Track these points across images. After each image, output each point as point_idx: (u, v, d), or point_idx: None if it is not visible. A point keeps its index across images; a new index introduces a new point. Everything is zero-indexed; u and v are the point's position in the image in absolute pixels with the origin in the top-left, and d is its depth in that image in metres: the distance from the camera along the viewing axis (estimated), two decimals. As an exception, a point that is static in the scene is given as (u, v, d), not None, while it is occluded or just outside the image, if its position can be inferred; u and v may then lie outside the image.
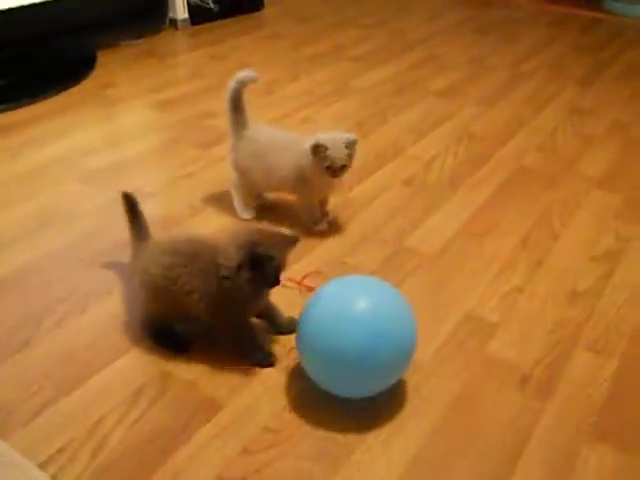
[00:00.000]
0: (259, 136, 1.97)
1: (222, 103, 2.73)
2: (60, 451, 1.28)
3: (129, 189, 2.11)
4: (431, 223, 2.04)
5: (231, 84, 1.97)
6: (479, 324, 1.66)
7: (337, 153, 1.81)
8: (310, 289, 1.70)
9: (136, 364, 1.48)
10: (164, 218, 1.99)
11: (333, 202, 2.09)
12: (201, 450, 1.30)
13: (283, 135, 1.99)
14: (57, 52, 3.03)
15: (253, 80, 1.99)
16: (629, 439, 1.38)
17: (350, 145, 1.84)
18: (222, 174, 2.24)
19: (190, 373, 1.47)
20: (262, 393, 1.43)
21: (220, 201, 2.09)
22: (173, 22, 3.66)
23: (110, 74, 3.00)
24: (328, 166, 1.81)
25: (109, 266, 1.79)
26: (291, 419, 1.37)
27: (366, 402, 1.41)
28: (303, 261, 1.83)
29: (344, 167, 1.84)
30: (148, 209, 2.02)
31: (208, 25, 3.73)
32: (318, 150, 1.80)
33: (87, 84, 2.89)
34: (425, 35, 3.82)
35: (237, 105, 1.99)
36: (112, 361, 1.49)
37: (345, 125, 2.64)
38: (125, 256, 1.81)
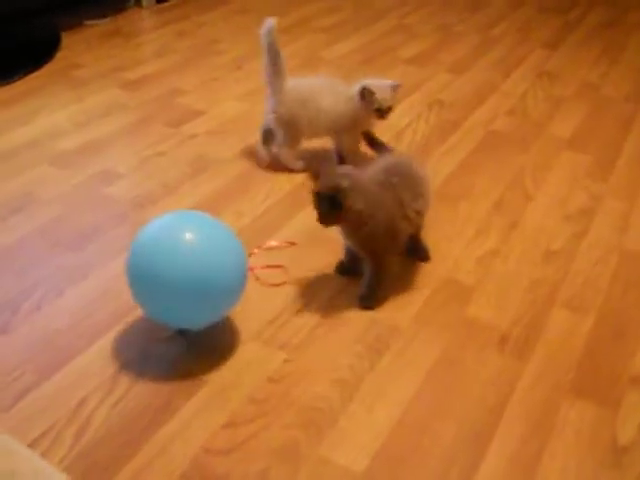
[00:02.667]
0: (301, 85, 2.08)
1: (192, 79, 2.75)
2: (44, 434, 1.27)
3: (100, 170, 2.11)
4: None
5: (265, 37, 2.01)
6: (456, 287, 1.67)
7: (384, 96, 1.99)
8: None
9: (116, 345, 1.48)
10: (137, 198, 1.98)
11: (303, 175, 2.09)
12: (185, 425, 1.30)
13: (323, 82, 2.10)
14: (20, 35, 2.98)
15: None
16: (607, 393, 1.41)
17: (395, 88, 2.03)
18: (194, 151, 2.23)
19: (170, 351, 1.47)
20: (244, 366, 1.43)
21: (194, 178, 2.08)
22: (137, 0, 3.61)
23: (76, 55, 2.95)
24: (377, 108, 2.00)
25: (83, 249, 1.77)
26: (275, 390, 1.38)
27: (348, 368, 1.43)
28: (284, 229, 1.84)
29: (390, 108, 2.02)
30: (121, 189, 2.02)
31: (173, 2, 3.68)
32: (366, 94, 1.98)
33: (53, 66, 2.84)
34: (393, 4, 3.80)
35: (275, 57, 2.04)
36: (92, 343, 1.48)
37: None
38: (97, 238, 1.80)
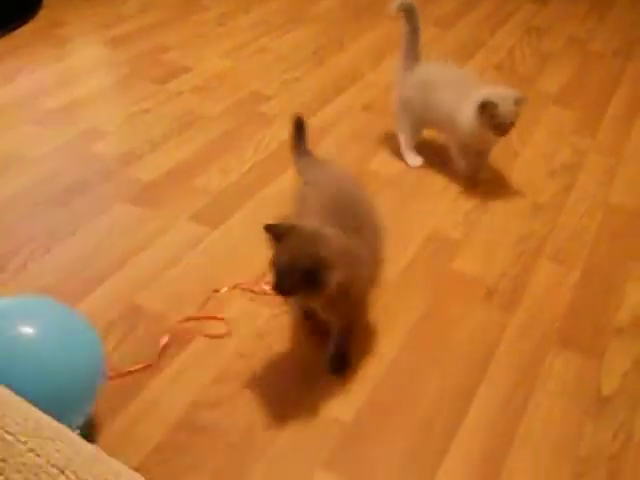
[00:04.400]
0: (429, 71, 1.94)
1: (177, 36, 2.71)
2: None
3: (86, 128, 2.09)
4: (392, 147, 2.04)
5: (400, 9, 1.92)
6: (443, 242, 1.68)
7: (506, 110, 1.73)
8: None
9: (104, 301, 1.48)
10: (124, 155, 1.97)
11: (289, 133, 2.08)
12: (175, 380, 1.31)
13: (455, 74, 1.93)
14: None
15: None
16: (592, 344, 1.43)
17: (519, 102, 1.76)
18: (180, 108, 2.21)
19: (159, 305, 1.47)
20: (233, 320, 1.44)
21: (180, 135, 2.07)
22: (120, -44, 3.54)
23: (58, 13, 2.91)
24: (497, 123, 1.73)
25: (70, 207, 1.76)
26: (262, 345, 1.39)
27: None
28: (270, 187, 1.84)
29: (512, 124, 1.75)
30: (107, 147, 2.01)
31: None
32: (487, 108, 1.72)
33: (35, 24, 2.80)
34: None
35: (413, 36, 1.94)
36: (80, 300, 1.48)
37: (302, 53, 2.61)
38: (84, 196, 1.79)
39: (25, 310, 1.12)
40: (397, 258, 1.62)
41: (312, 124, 2.13)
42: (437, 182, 1.89)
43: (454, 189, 1.86)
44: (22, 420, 0.44)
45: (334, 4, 3.11)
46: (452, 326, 1.46)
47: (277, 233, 1.18)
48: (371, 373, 1.34)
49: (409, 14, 1.91)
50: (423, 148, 2.00)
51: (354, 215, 1.31)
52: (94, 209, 1.75)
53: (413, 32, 1.92)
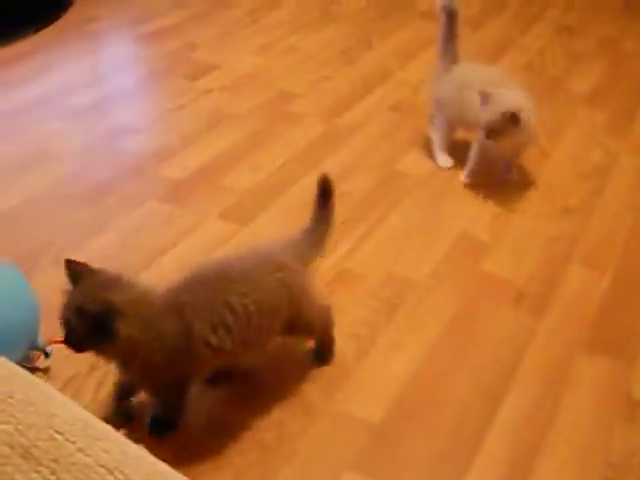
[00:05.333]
0: (465, 71, 1.93)
1: (208, 33, 2.72)
2: (68, 382, 1.30)
3: (117, 124, 2.11)
4: (420, 147, 2.04)
5: (442, 10, 1.91)
6: (472, 243, 1.68)
7: (487, 117, 1.71)
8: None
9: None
10: (154, 152, 1.98)
11: (320, 130, 2.09)
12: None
13: (489, 75, 1.92)
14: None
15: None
16: (622, 348, 1.42)
17: (507, 115, 1.69)
18: (212, 105, 2.22)
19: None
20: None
21: (210, 132, 2.08)
22: (150, -47, 3.56)
23: (90, 8, 2.93)
24: (482, 127, 1.73)
25: (101, 203, 1.78)
26: (290, 344, 1.39)
27: (363, 323, 1.44)
28: (297, 186, 1.84)
29: (493, 133, 1.72)
30: (137, 143, 2.02)
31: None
32: (514, 120, 1.69)
33: (67, 19, 2.82)
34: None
35: (452, 37, 1.93)
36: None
37: (331, 52, 2.61)
38: (114, 192, 1.80)
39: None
40: (425, 259, 1.62)
41: (341, 123, 2.14)
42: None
43: (483, 190, 1.85)
44: (71, 420, 0.45)
45: (363, 3, 3.10)
46: (481, 328, 1.45)
47: (74, 273, 1.10)
48: (399, 374, 1.34)
49: (450, 15, 1.91)
50: (451, 149, 1.99)
51: (191, 294, 1.14)
52: (124, 206, 1.77)
53: (452, 33, 1.92)
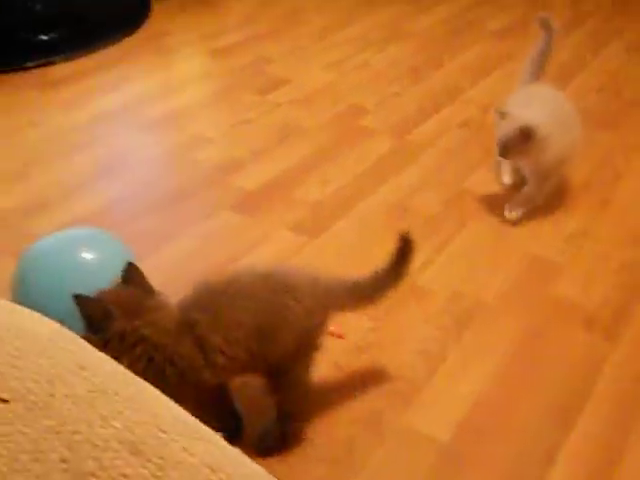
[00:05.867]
0: (532, 90, 1.89)
1: (279, 48, 2.75)
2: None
3: (189, 136, 2.15)
4: (489, 165, 2.02)
5: (540, 24, 1.89)
6: (543, 265, 1.65)
7: (499, 132, 1.68)
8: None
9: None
10: (225, 163, 2.01)
11: (389, 146, 2.09)
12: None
13: (549, 96, 1.85)
14: (112, 3, 3.04)
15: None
16: (699, 377, 1.37)
17: (518, 130, 1.66)
18: (282, 119, 2.24)
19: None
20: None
21: (280, 146, 2.10)
22: (224, -31, 3.63)
23: (165, 22, 3.00)
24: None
25: (174, 211, 1.82)
26: (360, 357, 1.40)
27: (433, 339, 1.43)
28: (367, 200, 1.84)
29: (501, 146, 1.69)
30: (209, 155, 2.06)
31: (259, -29, 3.69)
32: (528, 135, 1.65)
33: (143, 33, 2.90)
34: (480, -25, 3.72)
35: (540, 55, 1.91)
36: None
37: (401, 69, 2.61)
38: (187, 201, 1.84)
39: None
40: (495, 279, 1.61)
41: (410, 140, 2.14)
42: (539, 205, 1.85)
43: (555, 212, 1.83)
44: (172, 419, 0.46)
45: (433, 21, 3.11)
46: (551, 351, 1.43)
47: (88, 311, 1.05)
48: (469, 393, 1.33)
49: (545, 31, 1.89)
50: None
51: (203, 311, 1.12)
52: (197, 215, 1.80)
53: (541, 51, 1.90)
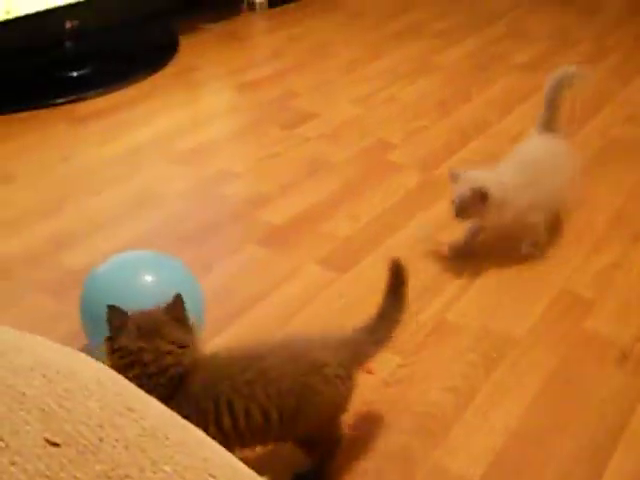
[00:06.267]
0: (540, 142, 1.84)
1: (306, 82, 2.79)
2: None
3: (217, 170, 2.17)
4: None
5: (552, 78, 1.83)
6: (574, 300, 1.64)
7: (455, 191, 1.68)
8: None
9: (236, 340, 1.52)
10: (253, 197, 2.03)
11: (417, 180, 2.10)
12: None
13: (528, 153, 1.83)
14: (141, 39, 3.10)
15: (579, 77, 1.84)
16: None
17: (467, 191, 1.65)
18: (309, 154, 2.26)
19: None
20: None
21: (310, 179, 2.12)
22: (251, 4, 3.69)
23: (193, 57, 3.05)
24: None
25: (203, 245, 1.83)
26: (389, 394, 1.39)
27: (462, 376, 1.42)
28: (397, 233, 1.85)
29: (455, 206, 1.68)
30: (237, 189, 2.07)
31: (285, 6, 3.74)
32: (482, 197, 1.63)
33: (172, 68, 2.94)
34: (506, 8, 3.74)
35: (550, 105, 1.83)
36: (211, 338, 1.52)
37: (429, 103, 2.63)
38: (215, 235, 1.85)
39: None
40: (525, 314, 1.60)
41: (437, 174, 2.15)
42: (568, 238, 1.85)
43: (586, 245, 1.82)
44: (221, 464, 0.46)
45: (460, 54, 3.12)
46: (583, 388, 1.41)
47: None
48: (499, 431, 1.31)
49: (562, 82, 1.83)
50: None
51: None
52: (225, 249, 1.81)
53: (552, 100, 1.83)
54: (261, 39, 3.35)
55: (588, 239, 1.84)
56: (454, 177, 1.69)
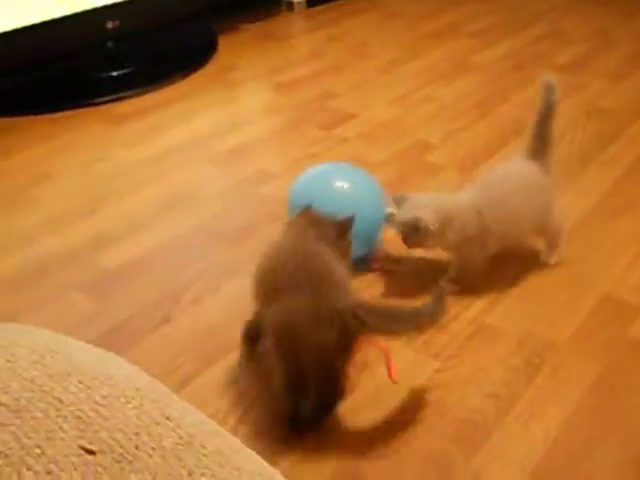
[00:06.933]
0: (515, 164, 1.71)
1: (344, 82, 2.77)
2: (203, 424, 1.32)
3: (255, 170, 2.16)
4: (563, 201, 1.97)
5: (542, 99, 1.65)
6: (619, 306, 1.60)
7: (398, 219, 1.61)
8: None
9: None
10: (291, 198, 2.02)
11: (456, 181, 2.06)
12: (341, 425, 1.31)
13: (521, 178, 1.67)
14: (181, 39, 3.12)
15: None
16: None
17: (393, 220, 1.63)
18: (346, 154, 2.24)
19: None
20: (398, 371, 1.42)
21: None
22: (289, 4, 3.68)
23: (232, 57, 3.05)
24: None
25: (240, 246, 1.82)
26: (428, 398, 1.37)
27: (503, 382, 1.39)
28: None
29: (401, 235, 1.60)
30: (276, 189, 2.06)
31: (324, 7, 3.73)
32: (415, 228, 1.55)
33: (210, 68, 2.95)
34: (545, 8, 3.68)
35: (540, 125, 1.66)
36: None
37: (466, 103, 2.59)
38: (253, 235, 1.84)
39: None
40: (568, 319, 1.56)
41: (478, 174, 2.11)
42: (613, 242, 1.80)
43: (631, 250, 1.77)
44: (255, 474, 0.45)
45: (497, 54, 3.08)
46: (628, 396, 1.37)
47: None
48: (540, 438, 1.28)
49: (546, 97, 1.65)
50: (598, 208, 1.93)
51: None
52: (261, 250, 1.80)
53: (541, 120, 1.66)
54: (299, 39, 3.34)
55: (634, 244, 1.80)
56: (398, 201, 1.61)
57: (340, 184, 1.69)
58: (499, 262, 1.71)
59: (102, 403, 0.47)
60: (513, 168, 1.70)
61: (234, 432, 1.30)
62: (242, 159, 2.25)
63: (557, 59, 3.02)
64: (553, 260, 1.72)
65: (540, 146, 1.66)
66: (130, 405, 0.47)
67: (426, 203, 1.58)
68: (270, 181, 2.11)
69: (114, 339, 1.54)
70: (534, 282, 1.68)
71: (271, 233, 1.84)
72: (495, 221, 1.59)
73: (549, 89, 1.64)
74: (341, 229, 1.37)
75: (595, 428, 1.31)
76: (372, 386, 1.40)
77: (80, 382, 0.48)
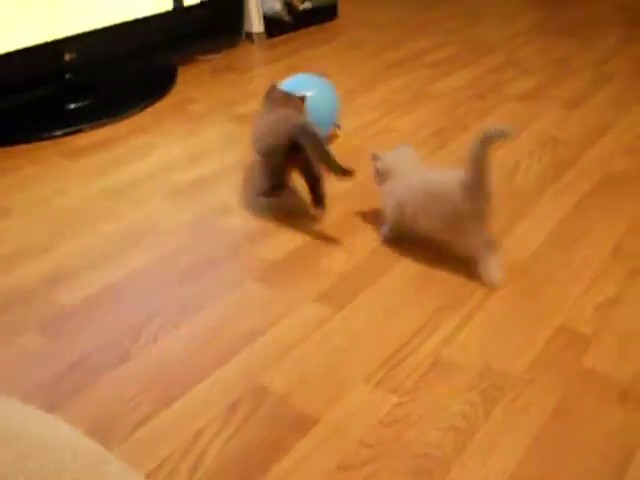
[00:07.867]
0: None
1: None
2: (159, 467, 1.30)
3: (214, 204, 2.16)
4: (517, 231, 2.00)
5: (475, 142, 1.66)
6: (573, 337, 1.62)
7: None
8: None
9: (231, 378, 1.50)
10: (250, 232, 2.02)
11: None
12: (297, 466, 1.30)
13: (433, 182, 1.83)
14: (139, 70, 3.11)
15: (505, 136, 1.63)
16: None
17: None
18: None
19: (283, 386, 1.48)
20: (356, 406, 1.43)
21: (304, 216, 2.10)
22: (249, 35, 3.71)
23: (190, 89, 3.06)
24: None
25: (199, 281, 1.82)
26: (386, 434, 1.37)
27: (461, 416, 1.40)
28: (392, 271, 1.83)
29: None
30: (235, 224, 2.06)
31: (283, 37, 3.76)
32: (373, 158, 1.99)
33: (169, 100, 2.95)
34: (503, 38, 3.76)
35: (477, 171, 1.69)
36: (207, 375, 1.51)
37: (425, 133, 2.62)
38: (212, 271, 1.84)
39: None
40: (524, 351, 1.57)
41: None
42: (566, 273, 1.83)
43: (584, 280, 1.80)
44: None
45: (457, 84, 3.13)
46: (584, 427, 1.39)
47: None
48: (498, 472, 1.29)
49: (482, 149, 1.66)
50: (552, 238, 1.96)
51: None
52: (222, 285, 1.79)
53: (475, 161, 1.69)
54: (259, 70, 3.35)
55: (586, 273, 1.82)
56: (375, 157, 1.94)
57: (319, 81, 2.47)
58: (455, 295, 1.73)
59: (38, 472, 0.46)
60: (449, 173, 1.81)
61: (189, 476, 1.28)
62: (201, 192, 2.24)
63: (515, 88, 3.07)
64: (495, 277, 1.77)
65: (474, 181, 1.71)
66: (67, 474, 0.46)
67: (398, 156, 1.93)
68: (228, 215, 2.11)
69: (71, 378, 1.52)
70: (491, 313, 1.69)
71: (231, 268, 1.85)
72: (411, 199, 1.83)
73: (484, 141, 1.64)
74: (299, 101, 2.17)
75: (552, 461, 1.32)
76: (330, 422, 1.39)
77: (15, 449, 0.47)
